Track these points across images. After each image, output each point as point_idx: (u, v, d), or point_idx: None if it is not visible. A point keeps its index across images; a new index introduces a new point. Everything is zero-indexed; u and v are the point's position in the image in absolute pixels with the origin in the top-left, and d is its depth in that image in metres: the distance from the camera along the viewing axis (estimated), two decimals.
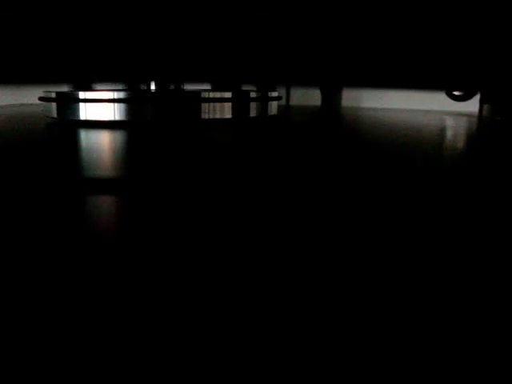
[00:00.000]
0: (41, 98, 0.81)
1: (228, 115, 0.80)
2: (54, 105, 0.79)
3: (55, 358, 0.14)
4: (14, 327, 0.15)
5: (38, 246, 0.22)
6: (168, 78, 0.77)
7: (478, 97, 1.14)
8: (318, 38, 1.15)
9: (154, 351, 0.14)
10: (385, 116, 1.06)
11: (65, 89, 0.84)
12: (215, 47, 0.77)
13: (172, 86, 0.81)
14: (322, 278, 0.19)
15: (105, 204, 0.31)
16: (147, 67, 0.77)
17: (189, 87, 0.82)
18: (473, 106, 1.15)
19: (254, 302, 0.17)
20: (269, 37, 0.86)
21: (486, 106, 1.11)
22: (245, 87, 0.97)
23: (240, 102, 0.82)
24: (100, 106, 0.75)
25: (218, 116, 0.79)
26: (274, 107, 0.91)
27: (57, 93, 0.78)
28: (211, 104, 0.78)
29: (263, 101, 0.86)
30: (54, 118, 0.80)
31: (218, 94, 0.80)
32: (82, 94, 0.75)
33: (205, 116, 0.78)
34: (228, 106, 0.80)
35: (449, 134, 0.77)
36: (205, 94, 0.79)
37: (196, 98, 0.78)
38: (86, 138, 0.63)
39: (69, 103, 0.77)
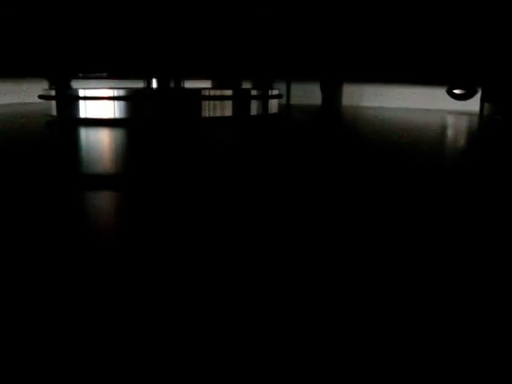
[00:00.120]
0: (40, 96, 0.81)
1: (228, 113, 0.80)
2: (53, 103, 0.79)
3: (52, 355, 0.13)
4: (12, 323, 0.15)
5: (38, 242, 0.22)
6: (164, 73, 0.77)
7: (478, 95, 1.13)
8: (319, 32, 1.15)
9: (152, 349, 0.14)
10: (385, 115, 1.05)
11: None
12: (215, 42, 0.76)
13: (172, 84, 0.81)
14: (322, 277, 0.19)
15: (102, 202, 0.31)
16: (145, 63, 0.76)
17: (189, 84, 0.81)
18: (474, 104, 1.15)
19: (252, 299, 0.17)
20: (269, 31, 0.85)
21: (486, 105, 1.10)
22: (245, 82, 0.96)
23: (241, 100, 0.81)
24: (100, 103, 0.74)
25: (218, 114, 0.79)
26: (274, 105, 0.90)
27: (56, 91, 0.78)
28: (212, 102, 0.78)
29: (264, 99, 0.86)
30: (53, 116, 0.79)
31: (218, 92, 0.79)
32: (81, 92, 0.75)
33: (205, 114, 0.78)
34: (229, 104, 0.79)
35: (450, 132, 0.76)
36: (205, 92, 0.78)
37: (196, 95, 0.78)
38: (86, 136, 0.63)
39: (68, 101, 0.76)
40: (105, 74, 0.75)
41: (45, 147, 0.52)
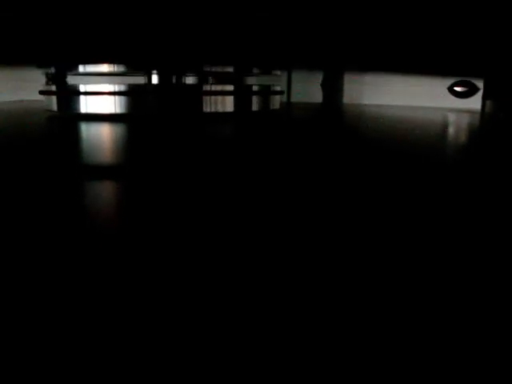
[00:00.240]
0: (41, 92, 0.81)
1: (230, 109, 0.79)
2: (54, 98, 0.78)
3: (50, 353, 0.13)
4: (11, 318, 0.15)
5: (35, 233, 0.22)
6: (165, 68, 0.76)
7: (480, 93, 1.13)
8: (320, 20, 1.14)
9: (151, 348, 0.13)
10: (386, 112, 1.05)
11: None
12: (214, 32, 0.76)
13: (173, 79, 0.81)
14: (322, 276, 0.18)
15: (104, 194, 0.31)
16: (146, 57, 0.76)
17: (189, 78, 0.81)
18: (475, 102, 1.15)
19: (251, 298, 0.16)
20: (270, 20, 0.84)
21: (488, 103, 1.10)
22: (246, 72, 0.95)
23: (242, 96, 0.81)
24: (101, 98, 0.74)
25: (219, 110, 0.79)
26: (276, 101, 0.90)
27: (57, 86, 0.78)
28: (213, 97, 0.77)
29: (265, 95, 0.86)
30: (54, 111, 0.79)
31: (219, 88, 0.79)
32: (82, 87, 0.74)
33: (206, 109, 0.78)
34: (230, 99, 0.79)
35: (451, 130, 0.76)
36: (206, 87, 0.78)
37: (198, 91, 0.78)
38: (88, 131, 0.62)
39: (69, 96, 0.76)
40: (105, 69, 0.75)
41: (48, 142, 0.52)
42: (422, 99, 1.30)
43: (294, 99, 1.36)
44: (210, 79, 0.79)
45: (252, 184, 0.31)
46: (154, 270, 0.17)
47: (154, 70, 0.76)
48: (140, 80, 0.78)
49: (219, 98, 0.78)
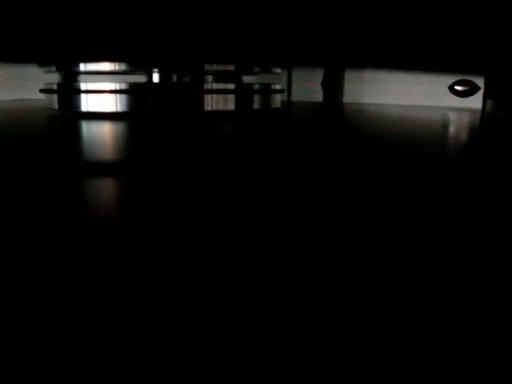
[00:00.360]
0: (42, 90, 0.81)
1: (231, 107, 0.79)
2: (55, 97, 0.78)
3: (48, 353, 0.13)
4: (11, 317, 0.15)
5: (34, 232, 0.22)
6: (166, 67, 0.76)
7: (481, 92, 1.13)
8: (321, 19, 1.14)
9: (151, 348, 0.13)
10: (387, 111, 1.05)
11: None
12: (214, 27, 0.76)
13: (174, 78, 0.80)
14: (322, 275, 0.18)
15: (104, 194, 0.31)
16: (147, 56, 0.76)
17: (190, 77, 0.81)
18: (476, 101, 1.15)
19: (250, 297, 0.16)
20: (270, 19, 0.84)
21: (489, 102, 1.10)
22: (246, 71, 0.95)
23: (243, 94, 0.81)
24: (102, 97, 0.74)
25: (221, 108, 0.79)
26: (277, 100, 0.90)
27: (58, 84, 0.78)
28: (214, 96, 0.77)
29: (266, 93, 0.86)
30: (55, 110, 0.79)
31: (221, 86, 0.79)
32: (83, 86, 0.74)
33: (208, 108, 0.78)
34: (231, 97, 0.79)
35: (452, 129, 0.76)
36: (207, 86, 0.78)
37: (199, 89, 0.78)
38: (89, 130, 0.62)
39: (70, 95, 0.76)
40: (106, 68, 0.75)
41: (51, 141, 0.52)
42: (422, 98, 1.29)
43: (294, 98, 1.36)
44: (211, 77, 0.79)
45: (252, 182, 0.31)
46: (153, 267, 0.17)
47: (155, 68, 0.76)
48: (141, 78, 0.78)
49: (220, 96, 0.78)
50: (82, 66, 0.76)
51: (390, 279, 0.16)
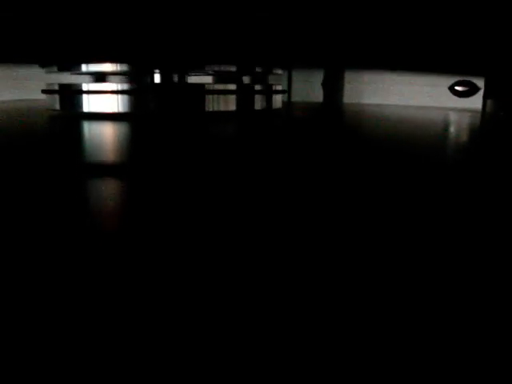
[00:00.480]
0: (43, 91, 0.81)
1: (232, 108, 0.79)
2: (56, 97, 0.78)
3: (48, 352, 0.13)
4: (11, 317, 0.15)
5: (35, 232, 0.22)
6: (167, 67, 0.76)
7: (481, 93, 1.13)
8: (321, 20, 1.14)
9: (148, 344, 0.13)
10: (387, 112, 1.05)
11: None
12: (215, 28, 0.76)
13: (175, 78, 0.81)
14: (322, 275, 0.19)
15: (105, 194, 0.31)
16: (148, 56, 0.76)
17: (191, 77, 0.81)
18: (476, 102, 1.15)
19: (250, 297, 0.17)
20: (270, 20, 0.84)
21: (489, 102, 1.10)
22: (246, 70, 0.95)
23: (244, 95, 0.81)
24: (103, 97, 0.74)
25: (222, 108, 0.79)
26: (278, 100, 0.90)
27: (60, 85, 0.78)
28: (215, 96, 0.77)
29: (267, 94, 0.86)
30: (57, 110, 0.79)
31: (222, 86, 0.79)
32: (85, 86, 0.75)
33: (209, 108, 0.78)
34: (232, 98, 0.79)
35: (453, 130, 0.76)
36: (209, 87, 0.78)
37: (200, 90, 0.78)
38: (91, 130, 0.62)
39: (72, 95, 0.76)
40: (108, 69, 0.75)
41: (53, 141, 0.52)
42: (422, 98, 1.29)
43: (294, 98, 1.36)
44: (212, 78, 0.79)
45: (252, 182, 0.31)
46: (154, 267, 0.17)
47: (156, 69, 0.76)
48: (143, 79, 0.78)
49: (221, 96, 0.78)
50: (84, 67, 0.76)
51: (390, 279, 0.16)
